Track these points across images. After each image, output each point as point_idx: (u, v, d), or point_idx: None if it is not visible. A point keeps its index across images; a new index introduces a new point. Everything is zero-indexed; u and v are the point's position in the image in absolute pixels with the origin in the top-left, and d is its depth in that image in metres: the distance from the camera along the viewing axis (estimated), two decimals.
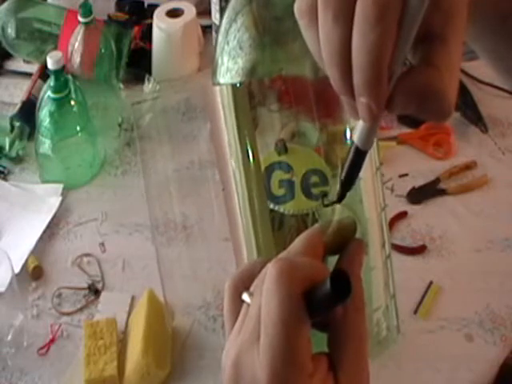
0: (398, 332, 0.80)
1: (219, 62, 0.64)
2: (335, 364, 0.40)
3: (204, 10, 1.29)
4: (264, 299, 0.38)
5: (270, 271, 0.38)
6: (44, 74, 1.18)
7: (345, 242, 0.44)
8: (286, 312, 0.37)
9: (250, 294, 0.40)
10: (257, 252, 0.69)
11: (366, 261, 0.65)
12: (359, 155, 0.39)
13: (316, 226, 0.45)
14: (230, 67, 0.63)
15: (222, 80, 0.64)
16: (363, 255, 0.43)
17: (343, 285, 0.37)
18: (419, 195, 1.11)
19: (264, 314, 0.38)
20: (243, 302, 0.41)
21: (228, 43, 0.63)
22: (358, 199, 0.68)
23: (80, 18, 1.15)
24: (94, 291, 0.96)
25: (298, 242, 0.43)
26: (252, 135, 0.65)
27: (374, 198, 0.69)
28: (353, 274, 0.41)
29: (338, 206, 0.61)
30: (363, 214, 0.68)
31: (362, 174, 0.66)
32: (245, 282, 0.41)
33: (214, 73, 0.65)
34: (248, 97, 0.63)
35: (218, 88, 0.64)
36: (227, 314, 0.42)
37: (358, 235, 0.46)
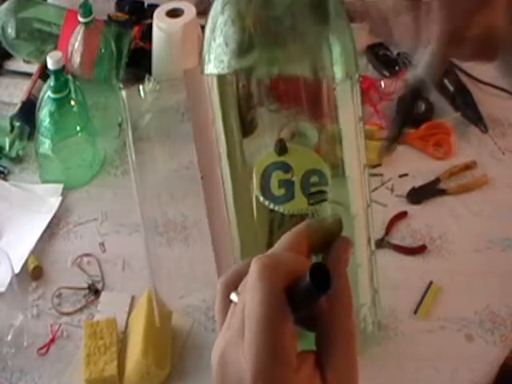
0: (379, 328, 0.80)
1: (206, 59, 0.63)
2: (323, 362, 0.40)
3: (204, 10, 1.29)
4: (247, 295, 0.38)
5: (252, 267, 0.39)
6: (44, 74, 1.18)
7: (331, 241, 0.44)
8: (268, 307, 0.37)
9: (238, 294, 0.41)
10: (240, 249, 0.68)
11: (353, 258, 0.65)
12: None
13: (301, 224, 0.45)
14: (216, 65, 0.62)
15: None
16: (350, 253, 0.43)
17: (323, 277, 0.37)
18: (419, 195, 1.11)
19: (247, 310, 0.38)
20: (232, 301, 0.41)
21: (215, 39, 0.62)
22: (345, 196, 0.68)
23: (80, 18, 1.15)
24: (94, 291, 0.96)
25: (282, 240, 0.43)
26: (238, 127, 0.65)
27: (360, 195, 0.69)
28: (339, 272, 0.41)
29: (326, 204, 0.62)
30: (350, 212, 0.68)
31: (348, 171, 0.66)
32: (235, 282, 0.42)
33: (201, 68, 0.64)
34: (235, 88, 0.63)
35: (204, 79, 0.63)
36: (217, 315, 0.43)
37: (344, 233, 0.46)
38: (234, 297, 0.41)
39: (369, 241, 0.72)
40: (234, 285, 0.42)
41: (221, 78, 0.62)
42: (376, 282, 0.75)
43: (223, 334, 0.40)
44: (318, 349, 0.40)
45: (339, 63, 0.61)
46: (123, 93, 0.67)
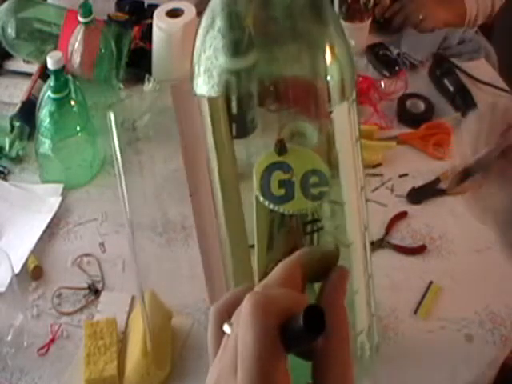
0: (377, 351, 0.79)
1: (195, 71, 0.63)
2: None
3: (204, 10, 1.29)
4: (240, 332, 0.38)
5: (245, 305, 0.39)
6: (44, 74, 1.18)
7: (328, 268, 0.43)
8: (261, 347, 0.37)
9: (231, 325, 0.40)
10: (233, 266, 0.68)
11: (350, 285, 0.65)
12: None
13: (296, 252, 0.44)
14: (206, 80, 0.62)
15: (197, 91, 0.63)
16: (347, 283, 0.43)
17: (317, 320, 0.36)
18: (419, 195, 1.11)
19: (240, 347, 0.38)
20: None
21: (205, 51, 0.61)
22: (342, 222, 0.68)
23: (80, 18, 1.15)
24: (94, 291, 0.96)
25: (276, 272, 0.43)
26: (230, 144, 0.64)
27: (358, 220, 0.68)
28: (336, 305, 0.41)
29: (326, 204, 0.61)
30: (346, 238, 0.68)
31: (345, 196, 0.66)
32: (228, 310, 0.42)
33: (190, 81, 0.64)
34: (226, 107, 0.62)
35: (195, 98, 0.63)
36: (210, 345, 0.42)
37: (341, 257, 0.45)
38: (226, 328, 0.41)
39: (366, 266, 0.71)
40: (227, 313, 0.41)
41: (211, 99, 0.61)
42: (373, 307, 0.75)
43: (216, 367, 0.40)
44: (313, 380, 0.40)
45: (336, 84, 0.60)
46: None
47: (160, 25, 1.22)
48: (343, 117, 0.63)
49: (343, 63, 0.60)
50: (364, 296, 0.72)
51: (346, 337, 0.40)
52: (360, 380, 0.80)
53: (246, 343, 0.38)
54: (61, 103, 1.04)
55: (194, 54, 0.62)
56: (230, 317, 0.41)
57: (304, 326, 0.36)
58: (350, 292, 0.66)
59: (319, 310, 0.37)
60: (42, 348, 0.90)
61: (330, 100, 0.61)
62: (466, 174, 0.74)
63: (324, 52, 0.59)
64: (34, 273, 0.98)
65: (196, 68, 0.62)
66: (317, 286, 0.44)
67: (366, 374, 0.83)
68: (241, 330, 0.38)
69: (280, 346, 0.38)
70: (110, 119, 0.68)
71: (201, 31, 0.62)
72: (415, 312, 0.95)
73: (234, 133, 0.66)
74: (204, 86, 0.61)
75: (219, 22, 0.60)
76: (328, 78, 0.60)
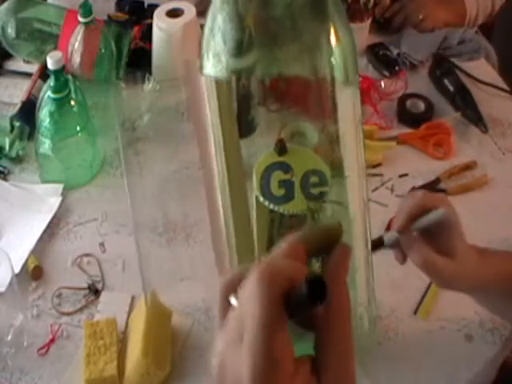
0: (375, 326, 0.80)
1: (205, 57, 0.63)
2: (319, 367, 0.41)
3: (204, 10, 1.28)
4: (246, 303, 0.40)
5: (251, 275, 0.40)
6: (44, 74, 1.18)
7: (330, 245, 0.44)
8: (266, 316, 0.39)
9: (237, 297, 0.42)
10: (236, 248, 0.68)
11: (352, 263, 0.65)
12: None
13: (302, 228, 0.45)
14: (214, 64, 0.62)
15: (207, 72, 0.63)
16: (349, 261, 0.44)
17: (320, 288, 0.38)
18: None
19: (246, 316, 0.39)
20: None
21: (214, 37, 0.62)
22: (345, 197, 0.68)
23: (80, 18, 1.15)
24: (94, 291, 0.96)
25: (280, 245, 0.44)
26: (233, 129, 0.64)
27: (358, 197, 0.69)
28: (338, 280, 0.42)
29: (326, 205, 0.62)
30: (348, 214, 0.68)
31: (347, 172, 0.67)
32: (235, 284, 0.43)
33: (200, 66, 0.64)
34: (231, 89, 0.62)
35: (202, 78, 0.63)
36: (218, 316, 0.44)
37: (343, 234, 0.46)
38: (233, 300, 0.42)
39: (366, 242, 0.72)
40: (233, 287, 0.43)
41: (219, 81, 0.62)
42: (372, 280, 0.75)
43: (222, 337, 0.41)
44: (315, 353, 0.41)
45: (339, 65, 0.61)
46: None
47: (160, 25, 1.22)
48: (346, 96, 0.63)
49: (346, 46, 0.60)
50: (364, 271, 0.72)
51: (347, 312, 0.42)
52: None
53: (251, 312, 0.39)
54: (61, 103, 1.04)
55: (203, 42, 0.62)
56: (236, 291, 0.42)
57: (307, 293, 0.38)
58: (351, 270, 0.66)
59: (321, 279, 0.38)
60: (42, 348, 0.90)
61: (333, 82, 0.61)
62: (378, 244, 0.78)
63: (328, 35, 0.59)
64: (33, 273, 0.98)
65: (205, 54, 0.62)
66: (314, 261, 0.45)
67: (366, 374, 0.83)
68: (247, 299, 0.39)
69: (284, 314, 0.39)
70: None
71: (209, 18, 0.62)
72: (415, 312, 0.95)
73: None
74: (213, 68, 0.62)
75: (227, 7, 0.60)
76: (332, 60, 0.60)
